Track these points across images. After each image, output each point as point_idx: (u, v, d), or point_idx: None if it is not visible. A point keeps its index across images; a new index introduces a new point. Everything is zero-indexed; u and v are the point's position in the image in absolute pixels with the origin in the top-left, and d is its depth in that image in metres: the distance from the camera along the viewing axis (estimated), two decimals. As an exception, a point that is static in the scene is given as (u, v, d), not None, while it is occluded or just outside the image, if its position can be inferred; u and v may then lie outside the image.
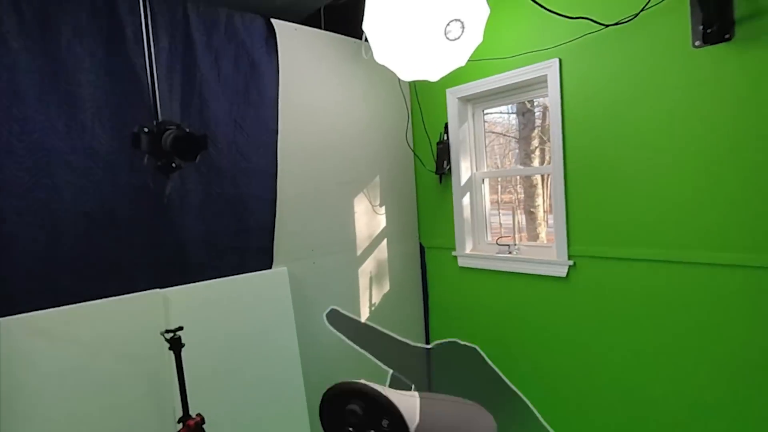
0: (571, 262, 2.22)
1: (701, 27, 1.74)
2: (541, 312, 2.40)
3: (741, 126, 1.69)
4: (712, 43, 1.73)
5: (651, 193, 1.92)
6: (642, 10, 1.83)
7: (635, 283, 2.01)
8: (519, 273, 2.48)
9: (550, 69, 2.21)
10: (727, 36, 1.69)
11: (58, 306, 1.66)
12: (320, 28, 2.72)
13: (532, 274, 2.41)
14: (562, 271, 2.27)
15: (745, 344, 1.73)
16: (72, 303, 1.69)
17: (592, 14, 1.95)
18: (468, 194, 2.74)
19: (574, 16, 1.90)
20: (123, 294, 1.81)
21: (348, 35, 2.63)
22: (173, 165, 1.47)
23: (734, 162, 1.71)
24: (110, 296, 1.78)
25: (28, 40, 1.61)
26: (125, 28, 1.81)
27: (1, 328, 1.53)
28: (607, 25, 1.90)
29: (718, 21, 1.69)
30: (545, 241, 3.06)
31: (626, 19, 1.88)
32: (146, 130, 1.40)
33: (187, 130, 1.46)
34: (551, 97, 2.23)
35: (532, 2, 2.24)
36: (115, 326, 1.76)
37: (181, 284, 1.95)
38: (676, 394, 1.93)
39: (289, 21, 2.37)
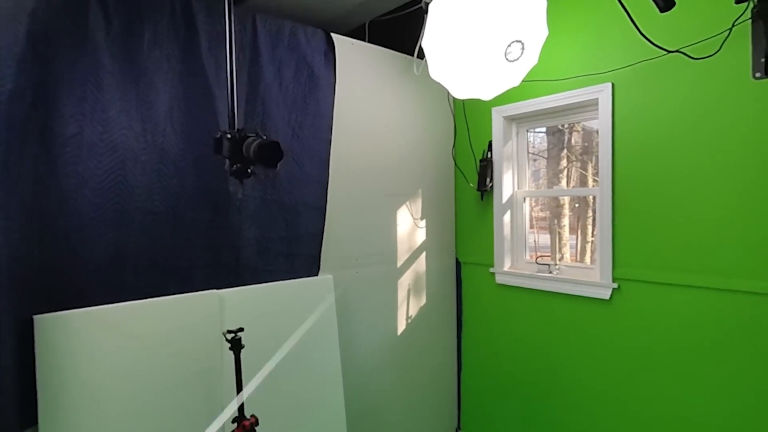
0: (615, 285, 2.23)
1: (763, 59, 1.76)
2: (581, 334, 2.40)
3: (801, 158, 1.71)
4: (773, 75, 1.75)
5: (701, 220, 1.94)
6: (702, 40, 1.87)
7: (682, 309, 2.02)
8: (559, 293, 2.49)
9: (602, 93, 2.24)
10: (789, 69, 1.71)
11: (122, 302, 1.71)
12: (364, 41, 2.79)
13: (573, 295, 2.42)
14: (605, 294, 2.27)
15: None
16: (134, 299, 1.74)
17: (654, 38, 1.99)
18: (509, 212, 2.77)
19: (650, 39, 1.92)
20: (181, 293, 1.85)
21: (390, 49, 2.69)
22: (248, 171, 1.52)
23: (793, 193, 1.72)
24: (169, 295, 1.83)
25: (113, 46, 1.69)
26: (200, 37, 1.89)
27: (66, 321, 1.58)
28: (670, 51, 1.91)
29: (781, 54, 1.72)
30: (569, 261, 3.06)
31: (687, 46, 1.91)
32: (229, 136, 1.46)
33: (264, 137, 1.51)
34: (601, 121, 2.26)
35: (586, 25, 2.29)
36: (174, 324, 1.80)
37: (235, 286, 2.00)
38: (719, 426, 1.92)
39: (336, 33, 2.43)
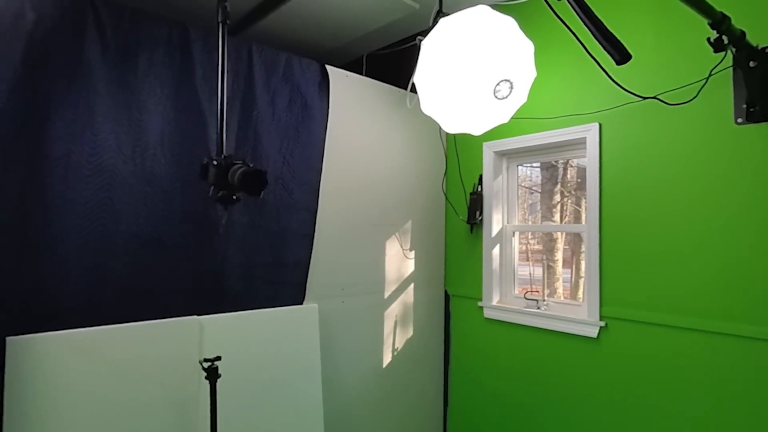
0: (602, 323, 2.21)
1: (745, 105, 1.80)
2: (567, 372, 2.36)
3: (783, 203, 1.73)
4: (755, 122, 1.78)
5: (689, 261, 1.94)
6: (682, 87, 1.92)
7: (668, 351, 1.99)
8: (546, 329, 2.46)
9: (589, 132, 2.28)
10: (771, 116, 1.75)
11: (99, 326, 1.68)
12: (361, 74, 2.86)
13: (561, 332, 2.39)
14: (592, 332, 2.25)
15: (786, 424, 1.69)
16: (112, 324, 1.71)
17: (635, 85, 2.04)
18: (498, 246, 2.77)
19: (623, 87, 1.97)
20: (160, 318, 1.83)
21: (386, 82, 2.74)
22: (234, 197, 1.52)
23: (776, 237, 1.73)
24: (148, 320, 1.80)
25: (108, 70, 1.72)
26: (195, 64, 1.92)
27: (41, 344, 1.55)
28: (644, 98, 1.95)
29: (762, 101, 1.76)
30: (562, 296, 3.05)
31: (665, 92, 1.96)
32: (215, 162, 1.46)
33: (251, 165, 1.52)
34: (589, 159, 2.29)
35: (574, 68, 2.35)
36: (152, 350, 1.77)
37: (216, 313, 1.97)
38: (710, 471, 1.87)
39: (333, 65, 2.49)
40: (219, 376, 1.65)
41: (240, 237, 2.05)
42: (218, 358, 1.66)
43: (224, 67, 1.59)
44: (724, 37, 1.44)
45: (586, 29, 1.06)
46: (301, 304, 2.28)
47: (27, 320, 1.55)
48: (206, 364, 1.63)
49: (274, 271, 2.18)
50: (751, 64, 1.73)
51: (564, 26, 1.25)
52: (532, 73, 1.98)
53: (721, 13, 1.37)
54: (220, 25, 1.60)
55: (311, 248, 2.30)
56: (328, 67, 2.40)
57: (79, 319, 1.65)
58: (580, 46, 1.40)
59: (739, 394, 1.79)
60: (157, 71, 1.83)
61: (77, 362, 1.61)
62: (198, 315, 1.92)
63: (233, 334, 2.00)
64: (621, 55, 1.04)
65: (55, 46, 1.60)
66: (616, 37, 1.04)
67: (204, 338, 1.91)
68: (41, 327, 1.56)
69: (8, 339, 1.50)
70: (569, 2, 1.02)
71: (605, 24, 1.03)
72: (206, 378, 1.63)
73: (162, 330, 1.81)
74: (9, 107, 1.50)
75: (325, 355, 2.34)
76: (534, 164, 3.47)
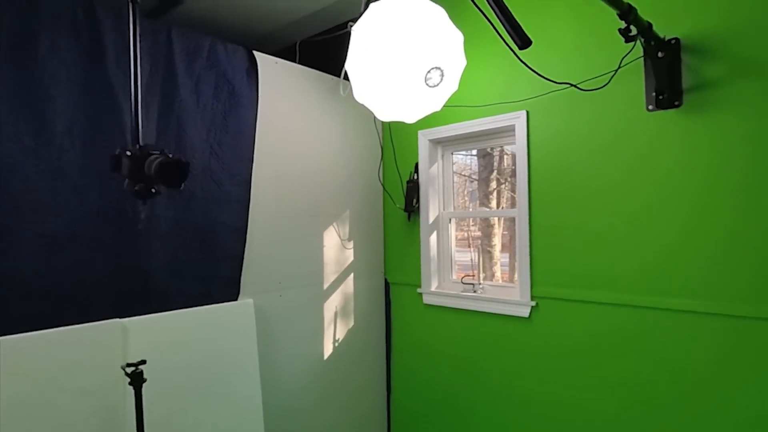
0: (533, 303, 2.31)
1: (654, 93, 1.93)
2: (503, 352, 2.45)
3: (688, 182, 1.87)
4: (663, 108, 1.92)
5: (615, 241, 2.05)
6: (601, 75, 2.02)
7: (596, 327, 2.11)
8: (482, 312, 2.54)
9: (518, 120, 2.36)
10: (676, 103, 1.88)
11: (6, 335, 1.53)
12: (294, 61, 2.78)
13: (496, 314, 2.48)
14: (524, 312, 2.35)
15: (708, 392, 1.83)
16: (23, 332, 1.56)
17: (557, 73, 2.13)
18: (435, 233, 2.81)
19: (542, 74, 2.03)
20: (79, 323, 1.69)
21: (321, 70, 2.69)
22: (152, 190, 1.43)
23: (686, 213, 1.87)
24: (65, 325, 1.66)
25: (1, 50, 1.54)
26: (106, 47, 1.77)
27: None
28: (560, 83, 2.03)
29: (669, 90, 1.89)
30: (500, 280, 3.16)
31: (585, 80, 2.06)
32: (128, 153, 1.36)
33: (170, 155, 1.42)
34: (518, 146, 2.37)
35: (503, 57, 2.41)
36: (69, 358, 1.63)
37: (142, 314, 1.85)
38: (630, 434, 2.02)
39: (265, 52, 2.40)
40: (144, 380, 1.55)
41: (165, 232, 1.94)
42: (143, 362, 1.57)
43: (136, 50, 1.47)
44: (632, 28, 1.52)
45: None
46: (236, 300, 2.20)
47: None
48: (129, 369, 1.53)
49: (204, 267, 2.08)
50: (659, 54, 1.86)
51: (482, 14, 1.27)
52: (462, 62, 2.00)
53: (628, 4, 1.45)
54: (131, 4, 1.49)
55: (245, 242, 2.22)
56: (255, 53, 2.30)
57: (-20, 329, 1.49)
58: (506, 35, 1.43)
59: (666, 363, 1.93)
60: (60, 53, 1.67)
61: (-22, 377, 1.46)
62: (122, 318, 1.80)
63: (161, 336, 1.89)
64: (522, 41, 1.08)
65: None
66: (519, 24, 1.08)
67: (129, 342, 1.79)
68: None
69: None
70: (478, -15, 1.03)
71: (511, 11, 1.06)
72: (130, 384, 1.53)
73: (79, 336, 1.67)
74: None
75: (264, 352, 2.28)
76: (472, 152, 3.55)
